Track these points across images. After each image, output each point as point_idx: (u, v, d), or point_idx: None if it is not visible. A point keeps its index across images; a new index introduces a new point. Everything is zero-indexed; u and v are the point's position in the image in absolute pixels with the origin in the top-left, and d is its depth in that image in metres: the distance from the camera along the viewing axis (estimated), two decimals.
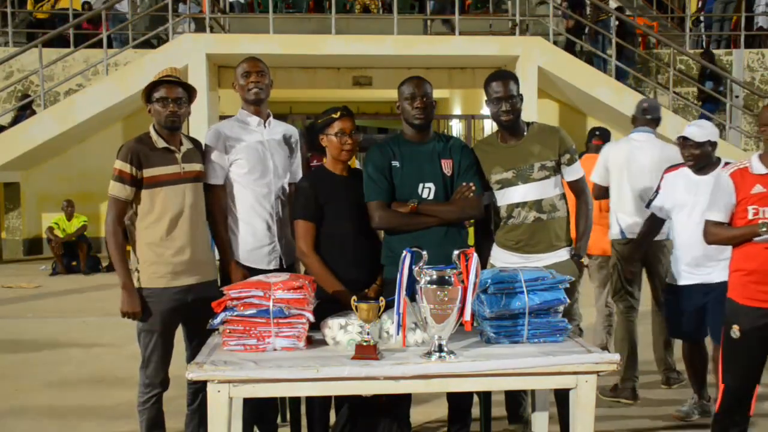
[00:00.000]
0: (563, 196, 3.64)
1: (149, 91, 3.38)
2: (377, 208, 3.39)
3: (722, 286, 3.57)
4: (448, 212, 3.42)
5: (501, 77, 3.54)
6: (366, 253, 3.47)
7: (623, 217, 4.63)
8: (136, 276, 3.37)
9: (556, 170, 3.55)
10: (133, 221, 3.40)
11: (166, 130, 3.40)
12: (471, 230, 3.81)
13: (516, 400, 3.90)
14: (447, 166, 3.47)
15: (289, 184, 3.73)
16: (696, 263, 3.94)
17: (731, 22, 13.31)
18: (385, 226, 3.43)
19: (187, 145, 3.48)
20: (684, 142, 3.94)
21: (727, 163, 3.77)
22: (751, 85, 12.52)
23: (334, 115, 3.41)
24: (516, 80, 3.56)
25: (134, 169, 3.31)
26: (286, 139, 3.75)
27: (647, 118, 4.83)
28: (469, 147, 3.64)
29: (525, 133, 3.59)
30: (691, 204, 3.94)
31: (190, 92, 3.47)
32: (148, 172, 3.33)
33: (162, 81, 3.37)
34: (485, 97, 3.58)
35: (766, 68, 12.81)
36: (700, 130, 3.93)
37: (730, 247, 3.46)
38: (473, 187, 3.42)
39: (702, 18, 14.06)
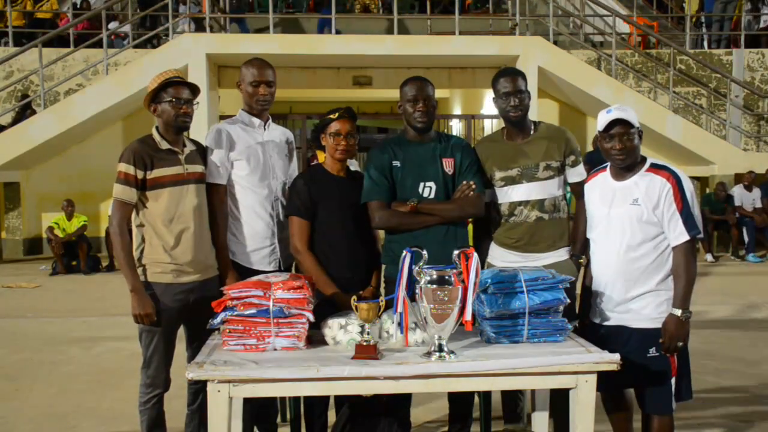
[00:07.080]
0: (565, 196, 3.64)
1: (156, 92, 3.38)
2: (377, 208, 3.39)
3: (641, 336, 3.04)
4: (449, 210, 3.42)
5: (509, 73, 3.56)
6: (360, 253, 3.47)
7: None
8: (139, 271, 3.35)
9: (561, 171, 3.55)
10: (137, 222, 3.39)
11: (172, 131, 3.41)
12: (470, 228, 3.80)
13: (513, 399, 3.90)
14: (448, 165, 3.47)
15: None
16: (611, 299, 3.12)
17: (731, 22, 13.31)
18: (385, 225, 3.43)
19: (189, 147, 3.49)
20: (608, 131, 3.02)
21: (654, 164, 3.07)
22: (751, 85, 12.52)
23: (332, 116, 3.46)
24: (524, 77, 3.57)
25: (138, 171, 3.31)
26: (284, 142, 3.76)
27: None
28: (470, 146, 3.64)
29: (532, 132, 3.59)
30: (606, 220, 3.13)
31: (195, 93, 3.48)
32: (152, 174, 3.33)
33: (171, 82, 3.37)
34: (493, 95, 3.59)
35: (766, 68, 12.81)
36: (627, 113, 3.03)
37: (658, 277, 3.02)
38: (474, 186, 3.42)
39: (702, 18, 14.06)
